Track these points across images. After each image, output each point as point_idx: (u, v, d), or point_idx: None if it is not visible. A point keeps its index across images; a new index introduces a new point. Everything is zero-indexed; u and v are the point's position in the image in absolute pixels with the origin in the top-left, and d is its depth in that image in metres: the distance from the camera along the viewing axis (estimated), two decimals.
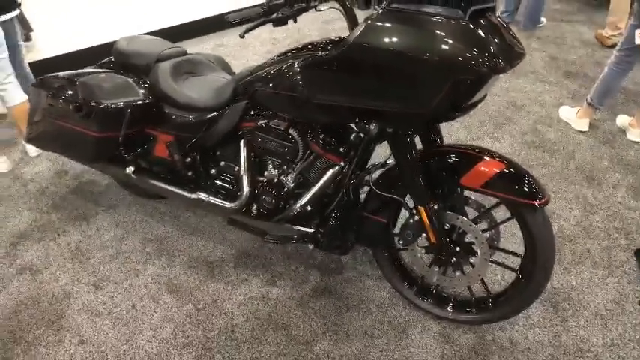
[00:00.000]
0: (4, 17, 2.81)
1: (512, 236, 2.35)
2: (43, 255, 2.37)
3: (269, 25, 1.46)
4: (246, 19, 1.57)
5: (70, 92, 2.14)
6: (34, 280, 2.24)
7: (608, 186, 2.75)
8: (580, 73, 3.94)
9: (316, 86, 1.57)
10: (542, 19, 4.83)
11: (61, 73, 2.32)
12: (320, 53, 1.56)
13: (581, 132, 3.21)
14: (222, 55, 2.73)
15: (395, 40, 1.36)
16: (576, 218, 2.52)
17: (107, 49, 4.23)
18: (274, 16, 1.55)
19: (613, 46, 4.17)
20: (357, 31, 1.40)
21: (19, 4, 2.94)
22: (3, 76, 2.77)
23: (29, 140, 2.44)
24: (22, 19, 4.04)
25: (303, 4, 1.56)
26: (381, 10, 1.40)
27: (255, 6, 1.57)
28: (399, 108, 1.46)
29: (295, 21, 1.59)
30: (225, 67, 2.44)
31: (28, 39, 4.18)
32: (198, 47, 4.64)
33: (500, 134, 3.20)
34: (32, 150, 3.08)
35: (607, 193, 2.70)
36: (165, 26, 4.67)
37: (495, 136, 3.18)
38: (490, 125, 3.29)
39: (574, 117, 3.27)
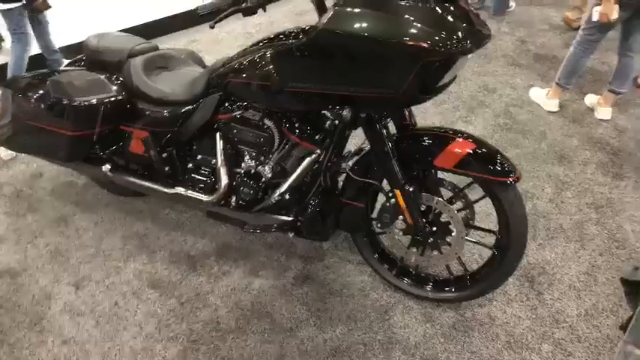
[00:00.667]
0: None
1: (488, 216, 2.40)
2: (21, 258, 2.35)
3: (242, 19, 1.48)
4: (216, 10, 1.57)
5: (41, 91, 2.11)
6: (13, 284, 2.22)
7: (579, 163, 2.82)
8: (549, 56, 4.02)
9: (288, 74, 1.58)
10: (512, 3, 4.90)
11: (31, 73, 2.29)
12: (291, 41, 1.57)
13: (551, 112, 3.29)
14: (196, 50, 2.72)
15: (363, 25, 1.38)
16: (549, 195, 2.59)
17: (78, 48, 4.18)
18: (243, 5, 1.56)
19: (579, 27, 4.26)
20: (326, 18, 1.41)
21: None
22: None
23: (1, 143, 2.40)
24: None
25: None
26: None
27: None
28: (370, 92, 1.48)
29: (265, 10, 1.60)
30: (198, 61, 2.43)
31: None
32: (170, 44, 4.60)
33: (474, 118, 3.26)
34: (4, 153, 3.03)
35: (578, 169, 2.77)
36: (137, 23, 4.61)
37: (469, 120, 3.24)
38: (464, 109, 3.35)
39: (544, 98, 3.34)
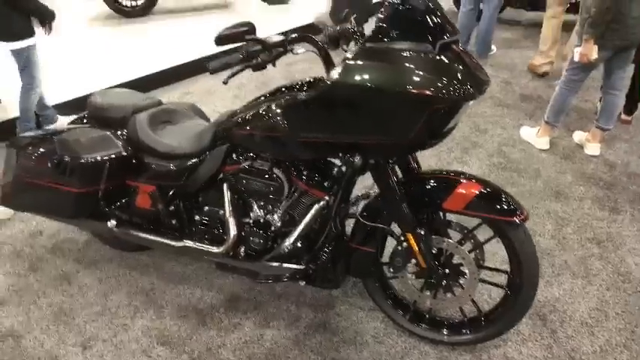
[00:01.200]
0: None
1: (493, 255, 2.42)
2: (25, 320, 2.29)
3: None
4: (226, 66, 1.63)
5: (47, 150, 2.12)
6: (18, 347, 2.15)
7: (575, 199, 2.88)
8: (534, 96, 4.17)
9: (299, 125, 1.63)
10: (493, 47, 5.11)
11: (35, 132, 2.31)
12: (301, 93, 1.62)
13: (542, 150, 3.38)
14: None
15: (373, 76, 1.44)
16: (550, 232, 2.63)
17: (75, 104, 4.23)
18: (254, 62, 1.61)
19: (545, 74, 4.44)
20: (337, 71, 1.47)
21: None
22: None
23: (3, 202, 2.38)
24: None
25: (281, 49, 1.64)
26: (357, 50, 1.48)
27: (234, 52, 1.63)
28: (380, 140, 1.53)
29: (274, 65, 1.66)
30: (200, 114, 2.48)
31: None
32: (165, 96, 4.67)
33: (468, 158, 3.33)
34: (2, 212, 2.99)
35: (575, 205, 2.83)
36: (130, 78, 4.69)
37: (464, 160, 3.31)
38: (458, 150, 3.43)
39: (535, 137, 3.44)
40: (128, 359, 2.06)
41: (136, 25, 6.51)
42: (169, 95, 4.70)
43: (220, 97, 4.56)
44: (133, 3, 6.73)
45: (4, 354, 2.12)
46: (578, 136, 3.46)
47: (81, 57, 5.37)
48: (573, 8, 4.38)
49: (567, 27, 4.36)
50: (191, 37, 5.81)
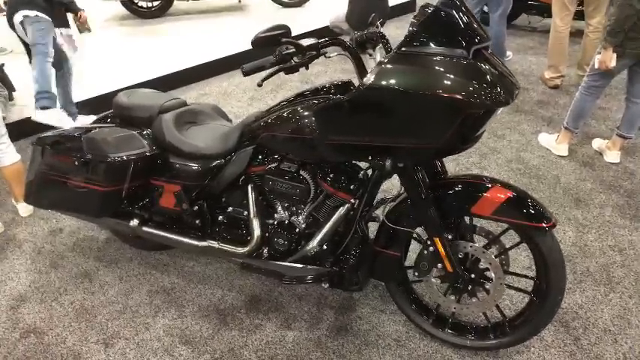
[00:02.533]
0: None
1: (514, 261, 2.41)
2: (47, 317, 2.30)
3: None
4: (259, 69, 1.64)
5: (74, 148, 2.14)
6: (40, 344, 2.17)
7: (596, 206, 2.87)
8: (552, 102, 4.16)
9: (331, 127, 1.63)
10: (509, 52, 5.10)
11: (60, 131, 2.33)
12: (334, 96, 1.63)
13: (561, 157, 3.37)
14: None
15: (408, 80, 1.45)
16: (571, 239, 2.62)
17: (91, 103, 4.27)
18: (287, 65, 1.62)
19: (556, 87, 4.41)
20: (372, 74, 1.48)
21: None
22: None
23: (27, 199, 2.40)
24: (3, 79, 4.04)
25: (314, 52, 1.65)
26: (392, 54, 1.49)
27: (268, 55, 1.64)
28: (412, 144, 1.54)
29: (307, 68, 1.67)
30: (223, 115, 2.49)
31: (10, 98, 4.17)
32: (182, 97, 4.70)
33: (487, 163, 3.33)
34: (23, 210, 3.02)
35: (595, 212, 2.81)
36: (146, 79, 4.72)
37: (483, 166, 3.30)
38: (476, 156, 3.42)
39: (554, 143, 3.43)
40: (150, 358, 2.07)
41: (152, 26, 6.56)
42: (186, 96, 4.72)
43: (236, 99, 4.58)
44: (149, 4, 6.78)
45: (27, 350, 2.14)
46: (597, 143, 3.44)
47: (97, 57, 5.41)
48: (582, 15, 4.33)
49: (579, 34, 4.36)
50: (206, 39, 5.85)
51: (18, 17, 3.37)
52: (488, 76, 1.45)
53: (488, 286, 1.87)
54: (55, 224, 2.93)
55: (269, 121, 1.88)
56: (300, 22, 6.25)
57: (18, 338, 2.20)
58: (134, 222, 2.30)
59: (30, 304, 2.38)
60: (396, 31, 6.19)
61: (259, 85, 1.62)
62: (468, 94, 1.41)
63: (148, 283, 2.46)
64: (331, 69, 5.14)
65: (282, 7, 7.18)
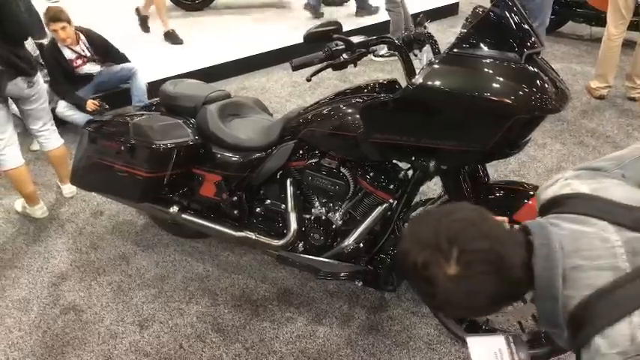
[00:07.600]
0: None
1: None
2: (86, 295, 2.38)
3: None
4: (308, 64, 1.65)
5: (120, 133, 2.20)
6: (79, 321, 2.24)
7: None
8: (596, 113, 4.04)
9: (377, 126, 1.63)
10: None
11: (110, 116, 2.39)
12: (381, 95, 1.63)
13: None
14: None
15: (458, 82, 1.44)
16: None
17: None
18: (336, 61, 1.63)
19: (601, 97, 4.25)
20: (422, 74, 1.47)
21: None
22: (40, 124, 2.84)
23: (73, 181, 2.49)
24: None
25: (363, 50, 1.65)
26: (443, 55, 1.48)
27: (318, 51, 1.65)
28: (459, 146, 1.53)
29: (355, 65, 1.68)
30: (265, 109, 2.53)
31: None
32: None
33: (526, 172, 3.26)
34: (67, 190, 3.12)
35: None
36: (187, 70, 4.80)
37: (521, 174, 3.24)
38: (515, 163, 3.36)
39: None
40: (183, 343, 2.11)
41: (195, 19, 6.66)
42: (226, 88, 4.78)
43: (275, 94, 4.62)
44: None
45: (66, 326, 2.22)
46: None
47: (140, 47, 5.53)
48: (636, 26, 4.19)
49: (630, 44, 4.23)
50: (248, 33, 5.90)
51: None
52: (539, 82, 1.43)
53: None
54: (96, 207, 3.02)
55: (311, 117, 1.89)
56: (341, 21, 6.25)
57: (58, 314, 2.28)
58: (174, 209, 2.35)
59: (70, 282, 2.47)
60: (437, 34, 6.12)
61: (308, 80, 1.63)
62: (518, 98, 1.40)
63: (184, 270, 2.51)
64: (370, 68, 5.11)
65: (323, 5, 7.18)
